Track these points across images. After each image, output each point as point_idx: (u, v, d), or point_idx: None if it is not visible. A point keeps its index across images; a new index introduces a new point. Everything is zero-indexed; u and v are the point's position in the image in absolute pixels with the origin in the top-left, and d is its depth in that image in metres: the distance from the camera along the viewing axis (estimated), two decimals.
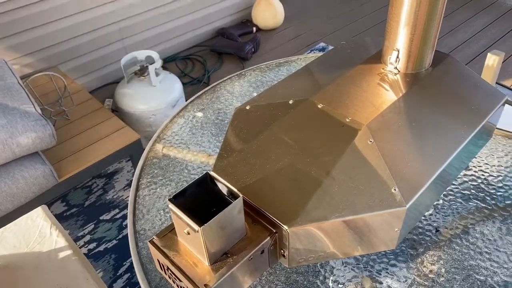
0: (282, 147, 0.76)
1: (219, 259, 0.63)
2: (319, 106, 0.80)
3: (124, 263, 1.72)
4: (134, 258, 0.83)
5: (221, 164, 0.76)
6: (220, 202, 0.62)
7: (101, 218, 1.92)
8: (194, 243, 0.62)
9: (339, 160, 0.71)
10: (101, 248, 1.79)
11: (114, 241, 1.81)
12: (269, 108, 0.85)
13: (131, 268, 1.71)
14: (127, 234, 1.86)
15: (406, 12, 0.79)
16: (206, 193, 0.66)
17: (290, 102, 0.83)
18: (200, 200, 0.65)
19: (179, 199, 0.62)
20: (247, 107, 0.87)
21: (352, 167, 0.70)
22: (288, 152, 0.75)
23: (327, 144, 0.74)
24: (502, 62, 2.84)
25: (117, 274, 1.69)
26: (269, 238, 0.66)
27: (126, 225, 1.88)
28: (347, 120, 0.76)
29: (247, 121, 0.84)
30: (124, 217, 1.92)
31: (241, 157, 0.76)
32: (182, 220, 0.60)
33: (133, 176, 2.10)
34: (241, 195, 0.61)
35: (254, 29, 3.25)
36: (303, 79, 0.93)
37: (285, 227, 0.64)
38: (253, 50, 3.00)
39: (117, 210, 1.95)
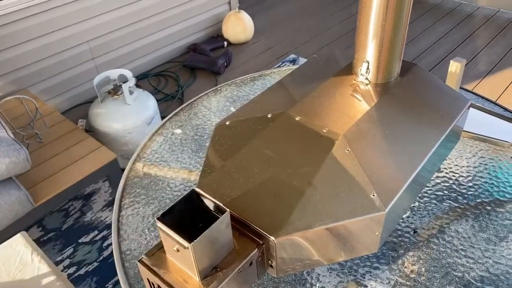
0: (263, 160, 0.78)
1: (209, 274, 0.64)
2: (297, 119, 0.83)
3: (106, 285, 1.69)
4: (121, 279, 0.83)
5: (205, 180, 0.78)
6: (207, 217, 0.64)
7: (80, 241, 1.88)
8: (184, 259, 0.63)
9: (319, 170, 0.74)
10: (82, 271, 1.75)
11: (95, 264, 1.78)
12: (249, 122, 0.87)
13: None
14: (108, 255, 1.83)
15: (374, 26, 0.84)
16: (193, 210, 0.67)
17: (269, 116, 0.85)
18: (187, 216, 0.66)
19: (167, 217, 0.63)
20: (227, 123, 0.89)
21: (332, 175, 0.73)
22: (270, 165, 0.77)
23: (307, 155, 0.77)
24: (466, 65, 2.97)
25: None
26: (256, 250, 0.67)
27: (106, 247, 1.85)
28: (324, 130, 0.79)
29: (228, 136, 0.86)
30: (104, 238, 1.89)
31: (225, 172, 0.78)
32: (171, 238, 0.61)
33: (110, 196, 2.08)
34: (228, 210, 0.63)
35: (225, 43, 3.29)
36: (279, 93, 0.96)
37: (272, 238, 0.66)
38: (225, 64, 3.03)
39: (96, 232, 1.92)
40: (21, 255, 1.02)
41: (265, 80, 1.40)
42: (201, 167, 1.08)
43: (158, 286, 0.65)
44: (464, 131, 1.08)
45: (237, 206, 0.71)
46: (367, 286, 0.79)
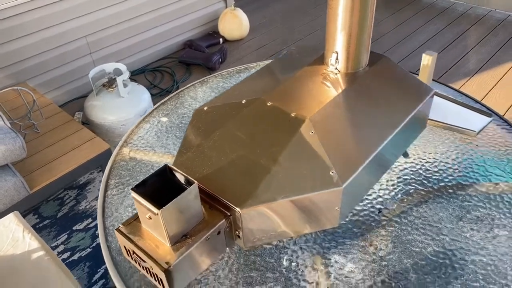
0: (235, 141, 0.84)
1: (179, 241, 0.71)
2: (269, 104, 0.89)
3: (98, 270, 1.76)
4: (104, 251, 0.90)
5: (181, 159, 0.84)
6: (179, 190, 0.70)
7: (74, 228, 1.95)
8: (155, 226, 0.69)
9: (285, 150, 0.80)
10: (75, 257, 1.82)
11: (88, 250, 1.84)
12: (225, 108, 0.93)
13: (105, 274, 1.74)
14: None
15: (342, 18, 0.90)
16: (166, 183, 0.73)
17: (243, 101, 0.92)
18: (161, 190, 0.72)
19: (141, 189, 0.69)
20: (205, 108, 0.95)
21: (296, 155, 0.79)
22: (241, 145, 0.83)
23: (275, 136, 0.83)
24: (456, 63, 3.01)
25: (92, 281, 1.73)
26: (224, 220, 0.74)
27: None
28: (292, 115, 0.85)
29: (204, 120, 0.92)
30: (98, 226, 1.95)
31: (199, 152, 0.84)
32: (143, 206, 0.68)
33: None
34: (196, 182, 0.69)
35: (221, 40, 3.35)
36: (256, 81, 1.02)
37: (238, 209, 0.72)
38: (220, 60, 3.10)
39: (90, 220, 1.98)
40: (13, 232, 1.08)
41: (250, 73, 1.46)
42: None
43: (133, 251, 0.72)
44: (431, 119, 1.14)
45: (208, 181, 0.77)
46: (330, 259, 0.86)
